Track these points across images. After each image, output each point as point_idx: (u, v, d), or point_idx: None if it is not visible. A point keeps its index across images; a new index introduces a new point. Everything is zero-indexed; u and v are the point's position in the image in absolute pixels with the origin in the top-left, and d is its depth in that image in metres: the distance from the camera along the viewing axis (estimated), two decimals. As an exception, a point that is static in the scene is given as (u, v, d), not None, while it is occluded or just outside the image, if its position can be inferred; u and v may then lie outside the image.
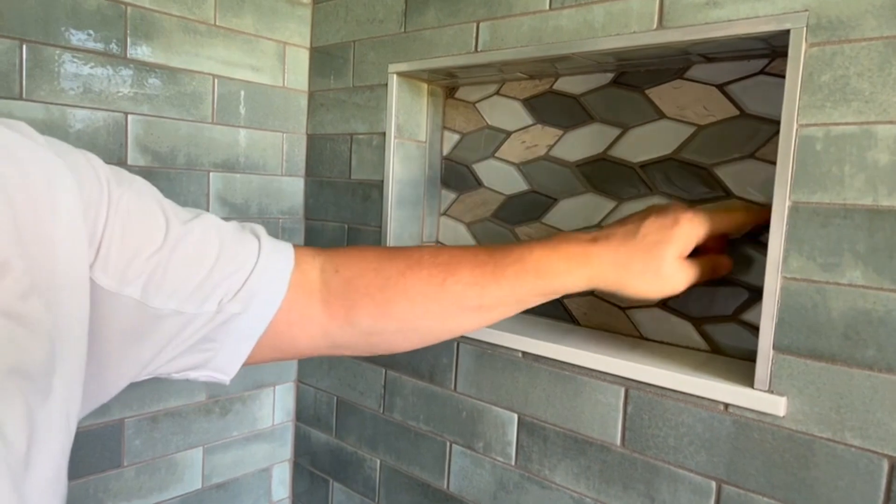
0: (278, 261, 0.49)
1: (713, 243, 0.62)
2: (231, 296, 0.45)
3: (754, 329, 0.69)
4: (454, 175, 0.98)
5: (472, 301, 0.53)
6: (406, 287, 0.52)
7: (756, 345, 0.68)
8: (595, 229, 0.60)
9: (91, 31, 0.80)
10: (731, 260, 0.66)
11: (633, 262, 0.55)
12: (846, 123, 0.54)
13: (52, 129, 0.78)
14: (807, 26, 0.55)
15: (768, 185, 0.67)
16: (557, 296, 0.57)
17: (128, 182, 0.42)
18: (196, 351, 0.45)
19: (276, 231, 1.05)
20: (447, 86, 0.97)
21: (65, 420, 0.35)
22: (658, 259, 0.55)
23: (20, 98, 0.76)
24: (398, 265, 0.53)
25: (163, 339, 0.43)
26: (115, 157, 0.84)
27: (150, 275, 0.41)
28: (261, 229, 0.51)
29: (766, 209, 0.59)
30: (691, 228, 0.56)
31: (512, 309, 0.56)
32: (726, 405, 0.62)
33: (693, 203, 0.72)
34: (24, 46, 0.75)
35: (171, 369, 0.46)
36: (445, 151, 0.99)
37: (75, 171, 0.38)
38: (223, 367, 0.48)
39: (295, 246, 0.53)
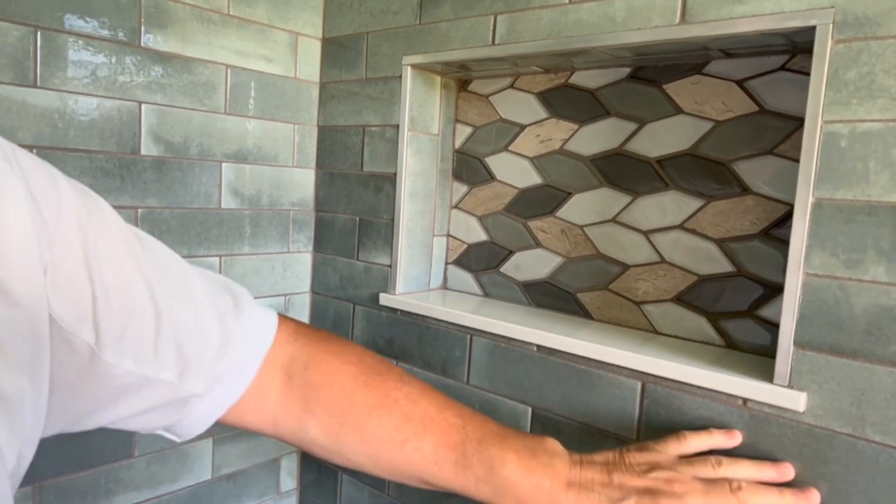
0: (254, 341, 0.45)
1: None
2: (194, 372, 0.41)
3: (770, 324, 0.69)
4: (466, 168, 0.98)
5: (421, 475, 0.50)
6: (366, 428, 0.48)
7: (772, 340, 0.69)
8: (577, 457, 0.54)
9: (105, 19, 0.80)
10: None
11: None
12: (872, 120, 0.54)
13: (65, 117, 0.78)
14: (833, 23, 0.55)
15: (787, 182, 0.67)
16: None
17: (97, 213, 0.38)
18: (155, 415, 0.42)
19: (287, 222, 1.04)
20: (460, 79, 0.97)
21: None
22: None
23: (34, 86, 0.75)
24: (370, 398, 0.48)
25: (111, 395, 0.38)
26: (129, 146, 0.84)
27: (111, 324, 0.37)
28: (244, 294, 0.46)
29: None
30: None
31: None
32: (745, 400, 0.62)
33: (710, 199, 0.73)
34: (39, 34, 0.75)
35: (124, 426, 0.41)
36: (458, 144, 0.99)
37: (38, 191, 0.34)
38: (180, 434, 0.45)
39: (280, 318, 0.49)
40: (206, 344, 0.43)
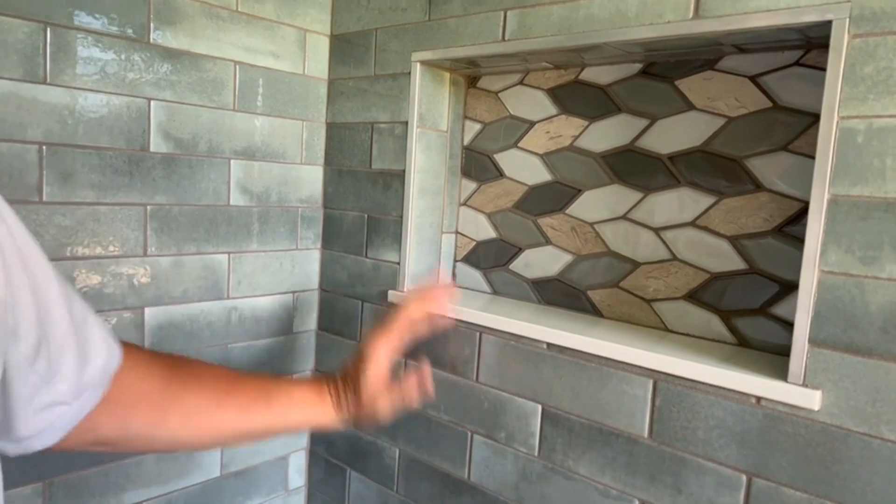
0: (110, 357, 0.49)
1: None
2: (70, 382, 0.45)
3: (783, 322, 0.69)
4: (475, 165, 0.97)
5: (240, 424, 0.58)
6: (185, 401, 0.55)
7: (785, 338, 0.68)
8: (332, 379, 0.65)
9: (115, 16, 0.79)
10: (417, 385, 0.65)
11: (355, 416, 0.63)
12: (889, 116, 0.53)
13: (75, 114, 0.78)
14: (850, 17, 0.55)
15: (801, 178, 0.67)
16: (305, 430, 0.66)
17: (21, 227, 0.42)
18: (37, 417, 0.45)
19: (296, 219, 1.04)
20: (470, 75, 0.96)
21: None
22: (368, 413, 0.63)
23: (44, 82, 0.75)
24: (183, 377, 0.56)
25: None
26: (138, 143, 0.84)
27: (32, 336, 0.41)
28: (96, 318, 0.51)
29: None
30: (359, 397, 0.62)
31: (270, 436, 0.64)
32: (758, 398, 0.61)
33: (723, 196, 0.72)
34: (49, 30, 0.74)
35: None
36: (466, 141, 0.98)
37: None
38: (26, 444, 0.47)
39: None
40: (86, 357, 0.47)
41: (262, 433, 0.61)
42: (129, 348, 0.54)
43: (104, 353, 0.49)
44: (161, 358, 0.57)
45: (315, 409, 0.62)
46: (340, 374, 0.64)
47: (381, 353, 0.62)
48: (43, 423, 0.45)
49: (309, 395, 0.62)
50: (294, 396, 0.61)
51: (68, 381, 0.45)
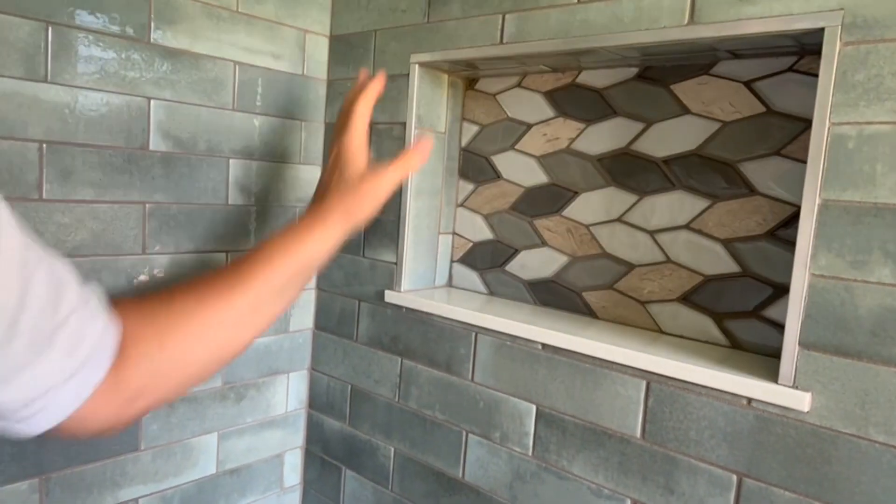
0: (83, 377, 0.39)
1: None
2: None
3: (775, 325, 0.69)
4: (472, 166, 0.98)
5: (236, 318, 0.49)
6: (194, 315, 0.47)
7: (777, 341, 0.69)
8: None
9: (115, 15, 0.80)
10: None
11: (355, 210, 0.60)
12: (880, 122, 0.54)
13: (75, 112, 0.78)
14: (842, 25, 0.56)
15: (794, 183, 0.68)
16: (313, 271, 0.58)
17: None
18: None
19: (294, 218, 1.05)
20: (468, 77, 0.97)
21: None
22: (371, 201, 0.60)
23: (45, 81, 0.75)
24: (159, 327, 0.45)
25: None
26: (138, 142, 0.84)
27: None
28: (92, 298, 0.41)
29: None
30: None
31: (279, 305, 0.53)
32: (749, 400, 0.62)
33: (717, 199, 0.73)
34: (50, 29, 0.75)
35: None
36: (464, 143, 0.99)
37: None
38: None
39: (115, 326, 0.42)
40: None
41: (265, 311, 0.52)
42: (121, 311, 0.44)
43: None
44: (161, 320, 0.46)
45: (326, 229, 0.57)
46: (325, 174, 0.63)
47: (359, 122, 0.63)
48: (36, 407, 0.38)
49: (310, 223, 0.57)
50: (323, 210, 0.58)
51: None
